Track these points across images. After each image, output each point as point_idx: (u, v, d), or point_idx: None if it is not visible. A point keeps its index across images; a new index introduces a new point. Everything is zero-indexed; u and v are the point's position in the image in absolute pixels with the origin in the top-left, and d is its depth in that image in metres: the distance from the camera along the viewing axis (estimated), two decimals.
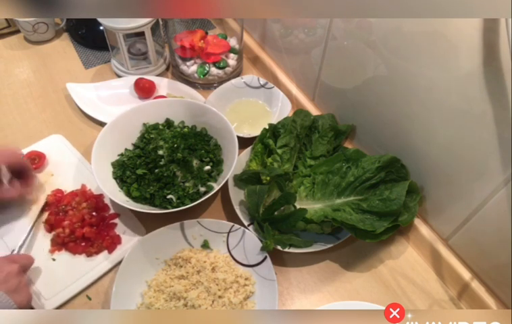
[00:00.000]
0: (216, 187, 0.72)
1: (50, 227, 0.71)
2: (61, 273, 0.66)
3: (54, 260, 0.68)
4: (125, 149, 0.79)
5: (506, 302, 0.62)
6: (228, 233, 0.70)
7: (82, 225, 0.70)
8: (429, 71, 0.61)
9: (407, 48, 0.63)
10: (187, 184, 0.74)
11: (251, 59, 1.06)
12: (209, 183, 0.75)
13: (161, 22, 0.96)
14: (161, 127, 0.81)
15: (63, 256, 0.69)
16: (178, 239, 0.69)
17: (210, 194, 0.71)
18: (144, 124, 0.81)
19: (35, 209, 0.73)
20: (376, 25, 0.67)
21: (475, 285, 0.65)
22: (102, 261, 0.68)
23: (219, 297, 0.63)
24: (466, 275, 0.66)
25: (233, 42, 1.00)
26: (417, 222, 0.72)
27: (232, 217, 0.73)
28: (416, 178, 0.71)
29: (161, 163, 0.74)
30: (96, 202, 0.73)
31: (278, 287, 0.64)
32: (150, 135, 0.79)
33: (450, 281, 0.69)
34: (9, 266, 0.58)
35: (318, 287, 0.68)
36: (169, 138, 0.77)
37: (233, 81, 0.95)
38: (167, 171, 0.73)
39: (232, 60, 0.98)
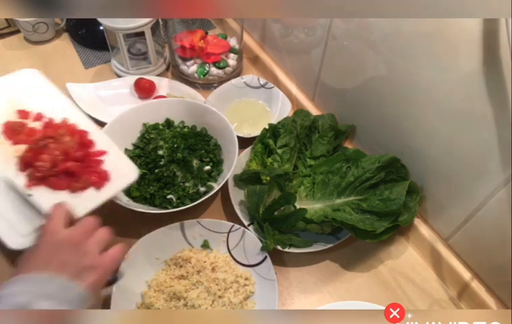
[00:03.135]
0: (216, 187, 0.72)
1: (25, 165, 0.62)
2: (40, 209, 0.59)
3: (30, 195, 0.60)
4: (125, 149, 0.78)
5: (506, 302, 0.62)
6: (228, 233, 0.70)
7: (65, 159, 0.62)
8: (429, 71, 0.61)
9: (407, 48, 0.63)
10: (187, 184, 0.74)
11: (251, 59, 1.06)
12: (209, 183, 0.75)
13: (161, 22, 0.96)
14: (161, 127, 0.81)
15: (42, 191, 0.61)
16: (178, 239, 0.69)
17: (210, 194, 0.71)
18: (144, 124, 0.81)
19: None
20: (376, 26, 0.67)
21: (475, 285, 0.65)
22: (89, 197, 0.61)
23: (219, 297, 0.63)
24: (466, 275, 0.66)
25: (233, 42, 1.00)
26: (417, 222, 0.72)
27: (232, 217, 0.73)
28: (416, 178, 0.71)
29: (161, 163, 0.74)
30: (81, 137, 0.66)
31: (278, 287, 0.64)
32: (150, 135, 0.79)
33: (450, 281, 0.69)
34: (70, 232, 0.47)
35: (318, 287, 0.68)
36: (169, 138, 0.77)
37: (233, 81, 0.94)
38: (167, 171, 0.73)
39: (232, 60, 0.98)
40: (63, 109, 0.72)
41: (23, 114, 0.70)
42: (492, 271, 0.63)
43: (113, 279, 0.51)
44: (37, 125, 0.68)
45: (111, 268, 0.48)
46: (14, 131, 0.67)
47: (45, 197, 0.61)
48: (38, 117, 0.69)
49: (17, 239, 0.57)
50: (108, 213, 0.74)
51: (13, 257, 0.66)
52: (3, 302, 0.39)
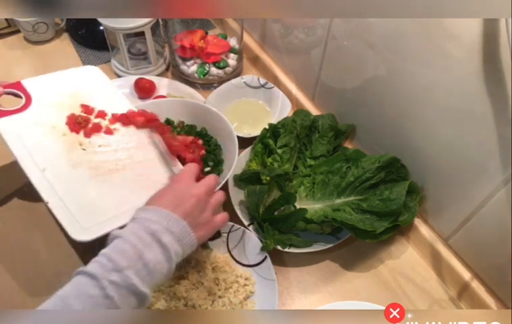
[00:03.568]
0: (216, 187, 0.72)
1: None
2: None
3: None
4: None
5: (506, 302, 0.62)
6: (228, 233, 0.70)
7: None
8: (429, 71, 0.61)
9: (407, 48, 0.63)
10: None
11: (251, 59, 1.06)
12: None
13: (161, 22, 0.96)
14: None
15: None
16: None
17: None
18: None
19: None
20: (376, 25, 0.67)
21: (475, 285, 0.65)
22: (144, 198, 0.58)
23: (219, 297, 0.63)
24: (466, 275, 0.66)
25: (233, 42, 1.00)
26: (417, 222, 0.72)
27: (232, 217, 0.72)
28: (416, 178, 0.71)
29: None
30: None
31: (278, 287, 0.64)
32: None
33: (450, 281, 0.69)
34: (197, 188, 0.53)
35: (318, 287, 0.68)
36: None
37: (233, 81, 0.94)
38: None
39: (232, 60, 0.98)
40: (123, 108, 0.73)
41: (87, 109, 0.71)
42: (492, 271, 0.63)
43: (213, 237, 0.58)
44: (100, 121, 0.70)
45: (217, 229, 0.56)
46: (78, 125, 0.68)
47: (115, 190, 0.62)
48: (101, 115, 0.71)
49: (79, 231, 0.56)
50: None
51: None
52: (138, 222, 0.47)
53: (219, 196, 0.57)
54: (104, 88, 0.76)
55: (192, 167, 0.57)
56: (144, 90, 0.93)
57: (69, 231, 0.55)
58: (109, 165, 0.64)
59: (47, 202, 0.57)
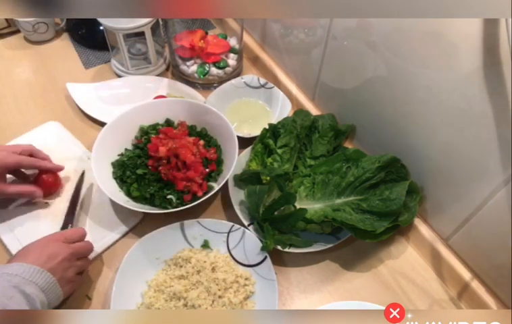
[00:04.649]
0: (216, 187, 0.72)
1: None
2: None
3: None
4: (126, 149, 0.79)
5: (506, 302, 0.62)
6: (228, 233, 0.70)
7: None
8: (429, 71, 0.61)
9: (407, 48, 0.63)
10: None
11: (251, 59, 1.06)
12: (209, 183, 0.75)
13: (161, 22, 0.96)
14: (160, 127, 0.81)
15: None
16: (178, 239, 0.69)
17: (210, 194, 0.71)
18: (141, 127, 0.81)
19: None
20: (376, 25, 0.67)
21: (475, 285, 0.65)
22: None
23: (219, 297, 0.63)
24: (466, 275, 0.66)
25: (233, 42, 1.00)
26: (417, 222, 0.72)
27: (232, 217, 0.73)
28: (416, 178, 0.71)
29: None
30: None
31: (278, 287, 0.64)
32: (150, 135, 0.79)
33: (450, 281, 0.69)
34: (65, 249, 0.59)
35: (318, 287, 0.68)
36: None
37: (233, 81, 0.94)
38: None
39: (232, 60, 0.98)
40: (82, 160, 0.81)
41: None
42: (492, 271, 0.63)
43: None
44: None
45: (77, 286, 0.63)
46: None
47: None
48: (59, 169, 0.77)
49: None
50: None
51: None
52: (1, 278, 0.51)
53: (85, 263, 0.64)
54: (65, 141, 0.84)
55: (70, 233, 0.63)
56: (47, 184, 0.74)
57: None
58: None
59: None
